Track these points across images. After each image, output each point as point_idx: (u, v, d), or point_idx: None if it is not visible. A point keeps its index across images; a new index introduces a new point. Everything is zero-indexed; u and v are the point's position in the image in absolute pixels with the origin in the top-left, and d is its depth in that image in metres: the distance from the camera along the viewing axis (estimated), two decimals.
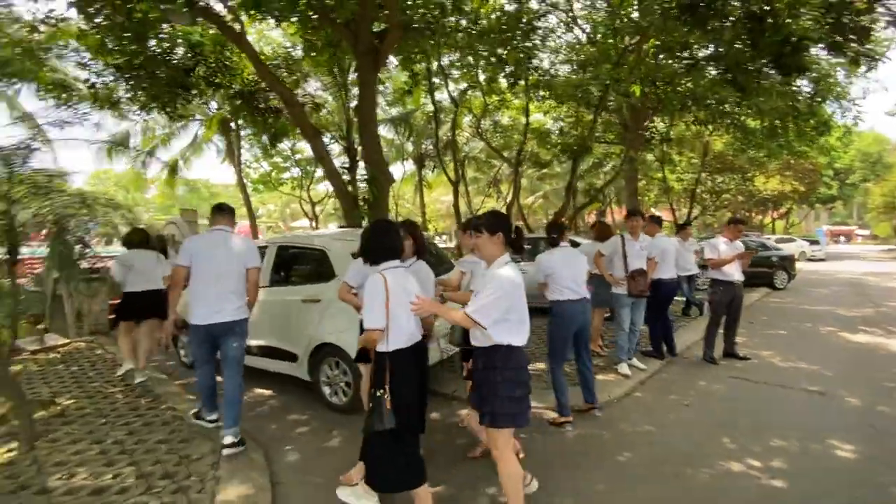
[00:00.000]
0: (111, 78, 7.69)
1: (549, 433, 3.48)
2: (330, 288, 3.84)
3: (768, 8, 6.72)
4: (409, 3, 6.99)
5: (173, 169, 15.04)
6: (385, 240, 2.44)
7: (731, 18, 7.37)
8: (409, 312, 2.29)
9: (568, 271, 3.58)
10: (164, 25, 7.11)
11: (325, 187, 25.85)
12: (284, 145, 17.11)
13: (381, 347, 2.30)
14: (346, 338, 3.72)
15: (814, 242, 24.26)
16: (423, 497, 2.32)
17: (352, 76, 12.16)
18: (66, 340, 6.35)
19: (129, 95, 8.03)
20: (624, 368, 4.72)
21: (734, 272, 5.19)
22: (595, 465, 3.02)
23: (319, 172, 22.17)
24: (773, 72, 8.05)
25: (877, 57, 7.11)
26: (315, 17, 6.73)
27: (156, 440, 3.21)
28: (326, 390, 3.98)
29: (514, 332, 2.24)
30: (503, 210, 30.79)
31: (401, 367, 2.31)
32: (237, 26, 7.21)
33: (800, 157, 14.99)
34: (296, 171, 21.92)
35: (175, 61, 7.99)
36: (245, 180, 16.52)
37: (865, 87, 13.44)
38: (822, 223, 44.40)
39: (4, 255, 3.85)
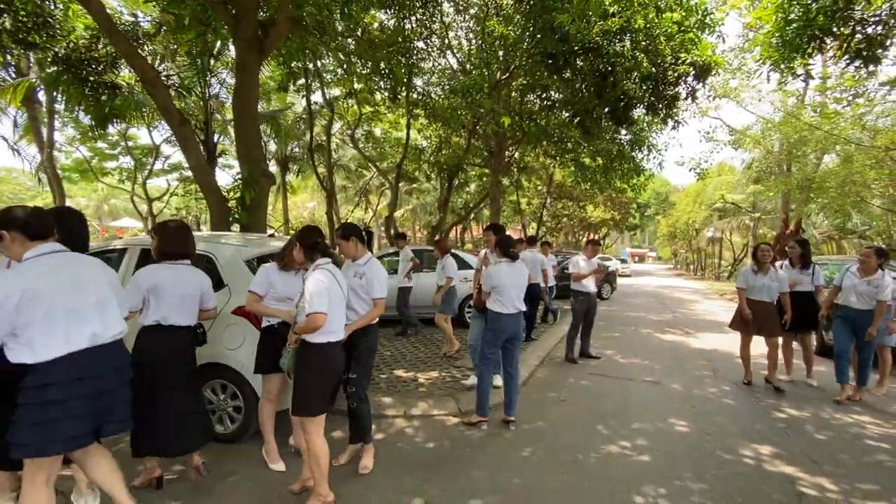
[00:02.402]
0: None
1: (455, 439, 3.61)
2: (217, 300, 3.36)
3: (610, 68, 8.19)
4: None
5: None
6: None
7: (582, 73, 8.80)
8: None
9: (514, 286, 3.82)
10: None
11: (164, 182, 22.18)
12: (110, 129, 14.30)
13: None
14: (238, 356, 3.30)
15: (623, 261, 29.93)
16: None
17: (216, 60, 10.93)
18: None
19: None
20: (469, 380, 4.69)
21: (591, 285, 6.13)
22: (504, 462, 3.24)
23: (158, 165, 19.05)
24: (609, 122, 9.81)
25: (678, 120, 9.24)
26: None
27: None
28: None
29: None
30: (375, 222, 30.51)
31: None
32: None
33: (619, 192, 18.43)
34: (125, 161, 18.43)
35: None
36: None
37: (666, 141, 17.24)
38: (625, 246, 54.96)
39: None
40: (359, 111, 13.64)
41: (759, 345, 5.11)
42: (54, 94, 10.78)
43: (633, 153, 12.40)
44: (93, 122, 10.14)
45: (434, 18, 9.97)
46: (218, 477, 2.91)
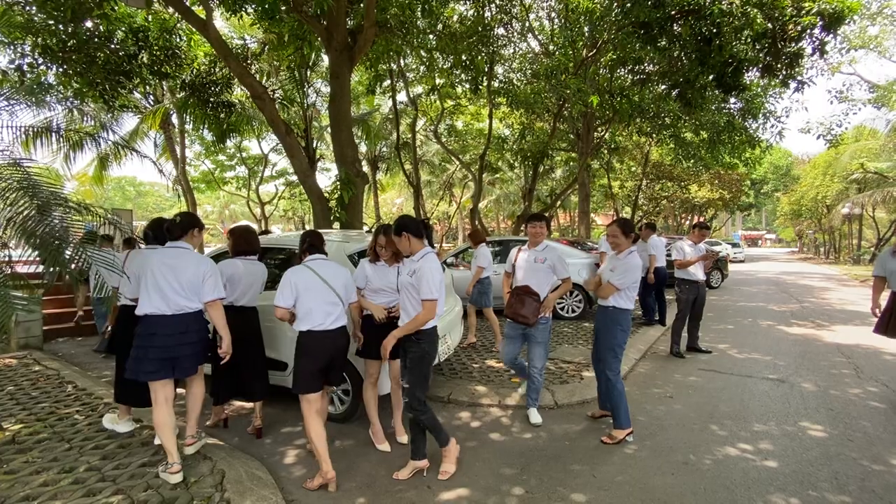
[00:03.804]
0: (39, 60, 6.86)
1: (552, 430, 3.55)
2: None
3: (715, 30, 7.32)
4: (385, 1, 6.89)
5: (103, 163, 13.65)
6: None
7: (681, 39, 7.97)
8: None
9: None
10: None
11: (273, 187, 24.72)
12: (228, 143, 16.20)
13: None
14: None
15: (734, 245, 26.80)
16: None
17: (311, 72, 11.80)
18: None
19: (58, 81, 7.19)
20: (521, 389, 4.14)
21: (698, 272, 5.60)
22: (605, 458, 3.12)
23: (268, 172, 21.25)
24: (715, 91, 8.78)
25: (804, 81, 7.98)
26: (284, 8, 6.44)
27: (139, 463, 2.88)
28: None
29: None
30: (464, 214, 30.91)
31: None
32: (199, 11, 6.71)
33: (728, 168, 16.52)
34: (241, 171, 20.81)
35: (115, 45, 7.31)
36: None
37: (787, 106, 15.03)
38: (737, 228, 49.18)
39: None
40: (441, 106, 13.84)
41: None
42: (184, 116, 12.44)
43: (746, 123, 11.00)
44: (214, 138, 11.62)
45: (514, 2, 9.72)
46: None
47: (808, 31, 7.11)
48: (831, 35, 7.61)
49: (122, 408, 3.41)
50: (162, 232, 3.07)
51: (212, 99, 9.08)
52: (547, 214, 23.87)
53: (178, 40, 8.33)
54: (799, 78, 8.04)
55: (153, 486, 2.61)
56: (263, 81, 11.14)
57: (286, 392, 3.63)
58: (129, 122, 15.70)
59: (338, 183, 6.46)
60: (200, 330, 2.92)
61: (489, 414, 3.89)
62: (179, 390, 3.11)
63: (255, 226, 26.20)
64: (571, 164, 18.20)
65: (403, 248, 2.84)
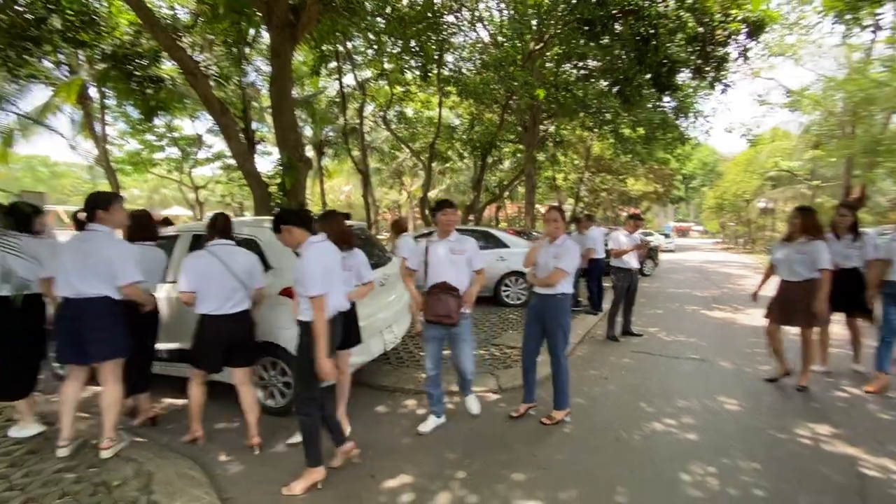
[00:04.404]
0: None
1: (496, 415, 3.65)
2: (266, 281, 3.50)
3: (653, 31, 7.70)
4: None
5: (7, 141, 12.15)
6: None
7: (621, 38, 8.32)
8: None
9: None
10: None
11: (209, 171, 23.17)
12: (156, 121, 14.96)
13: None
14: (286, 334, 3.44)
15: (666, 236, 28.70)
16: None
17: (251, 49, 11.12)
18: None
19: None
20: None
21: (632, 261, 5.94)
22: (545, 439, 3.25)
23: (203, 154, 19.88)
24: (651, 89, 9.28)
25: (728, 83, 8.62)
26: None
27: (53, 469, 2.64)
28: (261, 393, 3.64)
29: None
30: (414, 203, 30.55)
31: None
32: None
33: (662, 163, 17.58)
34: (172, 152, 19.32)
35: (20, 7, 6.49)
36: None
37: (714, 107, 16.13)
38: (668, 220, 52.68)
39: None
40: (390, 92, 13.58)
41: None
42: (104, 90, 11.33)
43: (678, 121, 11.73)
44: (140, 116, 10.68)
45: None
46: (268, 447, 3.10)
47: (734, 36, 7.68)
48: (754, 41, 8.28)
49: (23, 410, 3.11)
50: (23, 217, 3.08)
51: (137, 73, 8.31)
52: (497, 204, 23.78)
53: (96, 5, 7.53)
54: (725, 80, 8.68)
55: (70, 493, 2.40)
56: (196, 56, 10.36)
57: (222, 389, 3.47)
58: (41, 94, 14.06)
59: (279, 167, 6.17)
60: (104, 316, 2.75)
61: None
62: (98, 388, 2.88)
63: (188, 212, 24.44)
64: (518, 155, 18.57)
65: (287, 241, 2.69)
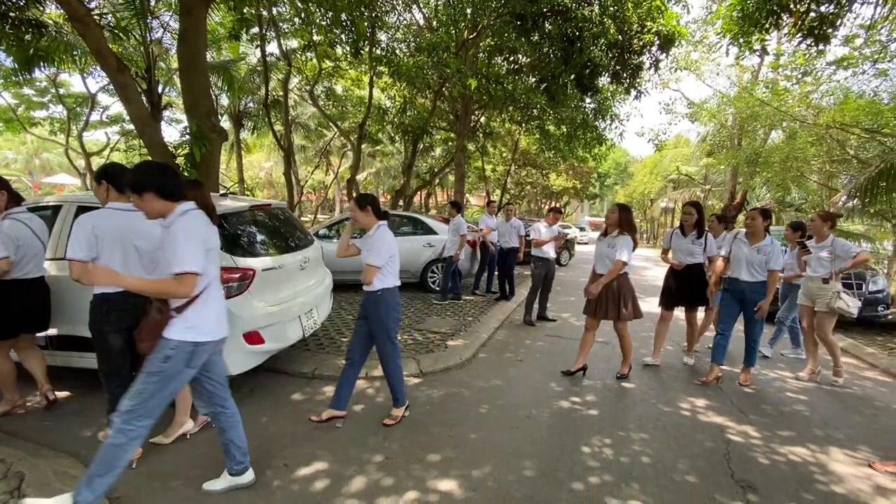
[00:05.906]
0: None
1: (416, 398, 3.70)
2: None
3: (578, 33, 8.10)
4: None
5: None
6: None
7: (550, 36, 8.66)
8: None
9: None
10: None
11: (103, 135, 20.36)
12: (37, 73, 12.85)
13: None
14: None
15: (581, 229, 30.83)
16: None
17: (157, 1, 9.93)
18: None
19: None
20: None
21: (550, 251, 6.29)
22: (462, 419, 3.37)
23: (96, 116, 17.44)
24: (575, 89, 9.79)
25: (641, 90, 9.35)
26: None
27: None
28: None
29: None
30: (342, 185, 29.52)
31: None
32: None
33: (581, 161, 18.70)
34: (57, 110, 16.72)
35: None
36: None
37: (628, 111, 17.42)
38: (584, 215, 56.42)
39: None
40: (318, 66, 12.91)
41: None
42: None
43: (597, 122, 12.51)
44: (16, 65, 9.11)
45: None
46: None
47: (649, 47, 8.31)
48: (664, 54, 9.02)
49: None
50: None
51: (12, 14, 7.04)
52: (427, 191, 23.68)
53: None
54: (639, 87, 9.40)
55: None
56: (88, 2, 9.05)
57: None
58: None
59: (189, 137, 5.62)
60: None
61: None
62: None
63: (75, 181, 21.50)
64: (450, 143, 18.69)
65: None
